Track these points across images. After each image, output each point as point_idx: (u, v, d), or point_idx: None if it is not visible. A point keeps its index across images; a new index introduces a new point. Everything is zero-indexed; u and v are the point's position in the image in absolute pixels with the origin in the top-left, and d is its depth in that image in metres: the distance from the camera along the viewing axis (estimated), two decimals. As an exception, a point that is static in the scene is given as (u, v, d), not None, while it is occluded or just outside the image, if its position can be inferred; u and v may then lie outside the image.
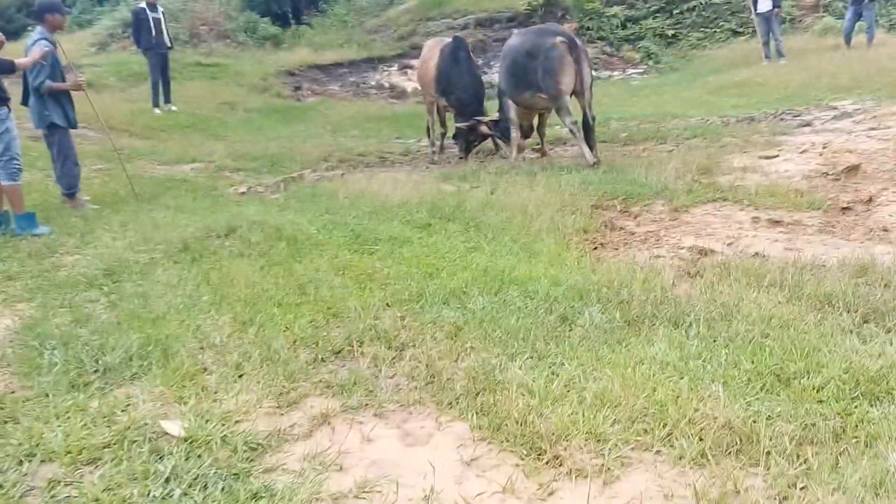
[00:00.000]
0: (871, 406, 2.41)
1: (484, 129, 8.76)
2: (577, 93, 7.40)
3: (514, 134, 8.28)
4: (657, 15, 18.47)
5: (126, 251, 5.06)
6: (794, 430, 2.29)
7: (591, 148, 7.42)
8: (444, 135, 9.61)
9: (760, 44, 14.68)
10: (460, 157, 9.10)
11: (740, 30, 17.40)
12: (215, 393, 3.00)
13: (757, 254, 4.29)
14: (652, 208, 5.67)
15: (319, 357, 3.36)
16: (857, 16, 13.57)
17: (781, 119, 9.12)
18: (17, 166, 6.33)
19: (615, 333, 3.28)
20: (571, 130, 7.47)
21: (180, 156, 9.99)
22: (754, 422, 2.34)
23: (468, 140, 9.00)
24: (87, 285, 4.46)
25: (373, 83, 18.05)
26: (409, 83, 18.05)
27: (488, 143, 9.39)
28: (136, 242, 5.28)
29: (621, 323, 3.38)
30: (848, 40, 13.77)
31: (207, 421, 2.74)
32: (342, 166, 9.30)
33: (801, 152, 6.97)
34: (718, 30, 17.63)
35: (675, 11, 18.33)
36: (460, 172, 7.70)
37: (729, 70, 14.51)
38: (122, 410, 2.84)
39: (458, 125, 8.83)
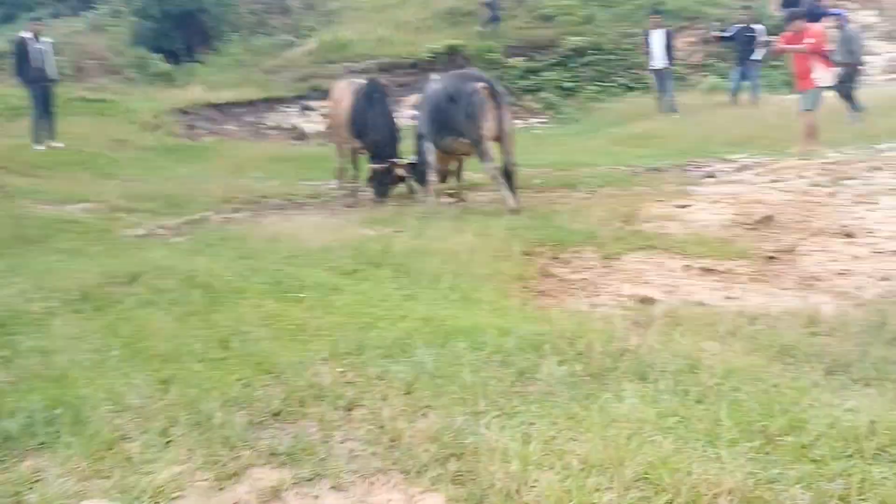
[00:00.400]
0: (869, 466, 2.30)
1: (400, 172, 8.58)
2: (499, 139, 7.35)
3: (432, 178, 8.13)
4: (555, 67, 19.01)
5: (16, 300, 4.49)
6: (803, 495, 2.14)
7: (513, 194, 7.35)
8: (356, 177, 9.35)
9: (655, 98, 15.30)
10: (374, 201, 8.85)
11: (633, 85, 18.13)
12: (141, 464, 2.59)
13: (700, 302, 4.24)
14: (582, 255, 5.60)
15: (256, 420, 3.00)
16: (742, 76, 14.39)
17: (686, 170, 9.40)
18: None
19: (581, 388, 3.09)
20: (493, 176, 7.39)
21: (68, 195, 9.26)
22: (762, 487, 2.18)
23: (383, 183, 8.79)
24: (-29, 339, 3.89)
25: (272, 124, 17.63)
26: (310, 125, 17.78)
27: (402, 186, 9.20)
28: (28, 290, 4.71)
29: (585, 376, 3.20)
30: (735, 98, 14.56)
31: (137, 498, 2.34)
32: (248, 208, 8.86)
33: (713, 202, 7.14)
34: (613, 84, 18.30)
35: (571, 65, 18.91)
36: (379, 216, 7.46)
37: (627, 122, 15.02)
38: (30, 488, 2.39)
39: (374, 167, 8.60)
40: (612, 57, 18.92)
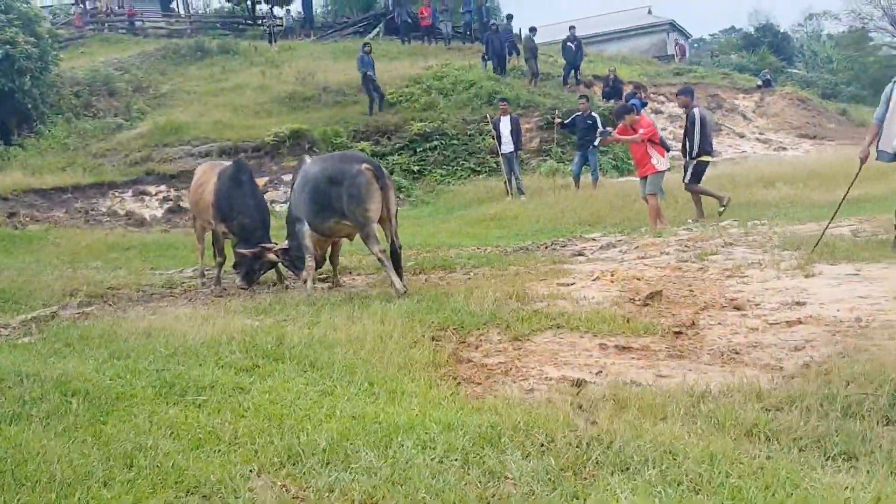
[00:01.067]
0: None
1: (271, 256, 8.09)
2: (383, 220, 7.14)
3: (310, 262, 7.72)
4: (402, 151, 19.26)
5: None
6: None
7: (400, 277, 7.13)
8: (221, 264, 8.73)
9: (504, 181, 15.81)
10: (241, 288, 8.26)
11: (478, 168, 18.73)
12: None
13: (635, 382, 4.17)
14: (489, 337, 5.44)
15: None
16: (584, 160, 15.25)
17: (554, 249, 9.62)
18: None
19: (563, 484, 2.86)
20: (380, 259, 7.12)
21: None
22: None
23: (252, 269, 8.24)
24: None
25: (104, 210, 16.37)
26: (148, 210, 16.71)
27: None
28: None
29: (561, 471, 2.97)
30: (577, 181, 15.36)
31: None
32: (97, 302, 7.97)
33: (594, 279, 7.28)
34: (459, 168, 18.80)
35: (418, 149, 19.26)
36: (257, 305, 6.93)
37: (478, 204, 15.39)
38: None
39: (242, 252, 8.06)
40: (455, 142, 19.49)
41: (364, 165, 7.05)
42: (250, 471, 3.19)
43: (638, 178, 11.11)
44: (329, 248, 8.22)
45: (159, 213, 16.57)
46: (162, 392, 4.26)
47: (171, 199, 17.05)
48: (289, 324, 5.94)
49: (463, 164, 18.88)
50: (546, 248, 9.82)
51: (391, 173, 18.64)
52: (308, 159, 8.01)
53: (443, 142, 19.38)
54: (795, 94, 32.19)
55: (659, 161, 10.75)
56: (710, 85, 31.32)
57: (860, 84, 46.14)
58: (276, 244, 8.14)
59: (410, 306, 6.22)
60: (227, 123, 20.72)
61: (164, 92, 24.28)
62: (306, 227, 7.61)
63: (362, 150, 19.15)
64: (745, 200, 12.71)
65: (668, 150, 11.26)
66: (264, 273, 8.45)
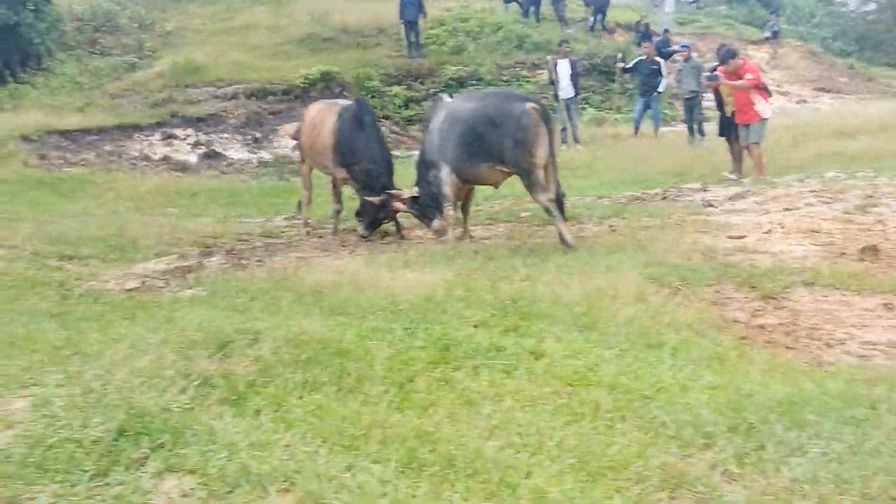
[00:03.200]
0: None
1: (398, 205, 7.44)
2: (546, 166, 6.51)
3: (450, 212, 7.09)
4: (435, 97, 18.41)
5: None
6: None
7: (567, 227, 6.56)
8: (339, 211, 8.05)
9: (561, 129, 15.16)
10: (362, 237, 7.62)
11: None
12: None
13: None
14: (733, 295, 4.93)
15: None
16: (646, 106, 14.68)
17: (673, 200, 9.11)
18: None
19: None
20: (548, 209, 6.52)
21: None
22: None
23: (377, 217, 7.60)
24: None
25: (135, 153, 15.39)
26: (180, 155, 15.77)
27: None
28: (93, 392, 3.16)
29: None
30: (637, 128, 14.81)
31: None
32: (214, 252, 7.27)
33: (766, 232, 6.81)
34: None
35: (453, 94, 18.41)
36: (411, 257, 6.24)
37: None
38: None
39: (370, 199, 7.39)
40: (491, 87, 18.71)
41: (530, 105, 6.41)
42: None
43: (739, 125, 10.53)
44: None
45: (193, 158, 15.64)
46: (445, 355, 3.67)
47: (204, 144, 16.12)
48: (482, 278, 5.34)
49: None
50: (662, 198, 9.28)
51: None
52: (447, 98, 7.32)
53: (478, 87, 18.57)
54: (806, 47, 31.82)
55: (763, 108, 10.26)
56: (717, 35, 30.72)
57: (847, 40, 45.89)
58: (402, 191, 7.48)
59: (611, 261, 5.65)
60: (247, 65, 19.63)
61: (171, 30, 22.98)
62: (447, 173, 6.95)
63: (396, 95, 18.43)
64: (822, 153, 12.27)
65: (770, 96, 10.72)
66: (389, 222, 7.80)
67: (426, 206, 7.36)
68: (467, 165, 6.74)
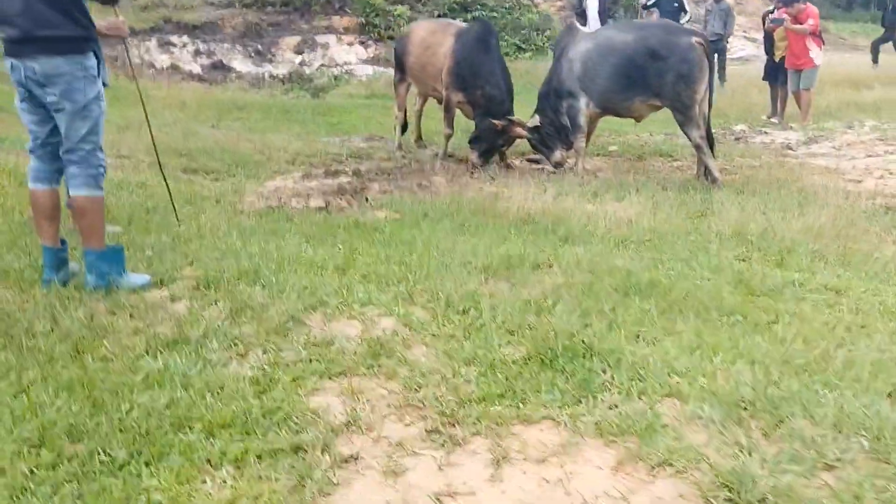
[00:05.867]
0: None
1: (519, 131, 7.35)
2: (702, 103, 6.58)
3: (582, 143, 7.09)
4: (439, 19, 17.98)
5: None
6: None
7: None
8: (450, 136, 7.88)
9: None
10: (475, 165, 7.48)
11: (524, 45, 17.92)
12: None
13: None
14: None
15: None
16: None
17: (746, 141, 9.36)
18: (102, 164, 3.44)
19: None
20: (699, 146, 6.60)
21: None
22: None
23: (494, 145, 7.49)
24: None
25: (137, 60, 14.46)
26: (183, 64, 14.93)
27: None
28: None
29: None
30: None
31: None
32: (341, 172, 7.03)
33: (879, 178, 7.13)
34: (504, 43, 17.84)
35: (456, 19, 18.01)
36: (583, 189, 6.24)
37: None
38: None
39: (494, 123, 7.21)
40: (494, 14, 18.39)
41: (695, 39, 6.41)
42: None
43: (790, 70, 10.79)
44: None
45: (196, 67, 14.85)
46: (744, 288, 3.75)
47: (205, 54, 15.30)
48: (677, 211, 5.41)
49: (508, 39, 17.89)
50: (735, 139, 9.51)
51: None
52: (580, 26, 7.19)
53: (482, 13, 18.21)
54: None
55: (817, 55, 10.55)
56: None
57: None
58: (526, 120, 7.39)
59: (795, 199, 5.76)
60: (239, -29, 18.54)
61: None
62: (584, 103, 6.92)
63: (399, 15, 17.86)
64: (844, 101, 12.74)
65: (824, 44, 11.01)
66: (505, 149, 7.69)
67: (548, 135, 7.33)
68: (618, 97, 6.71)
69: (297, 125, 9.65)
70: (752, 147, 8.90)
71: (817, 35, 10.57)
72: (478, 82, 7.34)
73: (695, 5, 16.87)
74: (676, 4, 14.29)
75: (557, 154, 7.33)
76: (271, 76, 14.86)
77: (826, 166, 7.71)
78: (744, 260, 4.31)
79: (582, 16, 14.62)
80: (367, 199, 5.59)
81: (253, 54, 15.90)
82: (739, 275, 3.94)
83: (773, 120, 11.20)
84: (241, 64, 15.32)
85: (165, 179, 4.64)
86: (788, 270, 4.13)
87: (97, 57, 3.46)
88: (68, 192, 3.53)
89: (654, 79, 6.45)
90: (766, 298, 3.59)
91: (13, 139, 6.85)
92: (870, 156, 8.28)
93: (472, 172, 7.16)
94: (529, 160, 8.07)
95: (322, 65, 16.22)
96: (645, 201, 5.63)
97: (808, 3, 10.70)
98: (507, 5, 18.62)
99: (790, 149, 8.87)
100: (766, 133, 9.99)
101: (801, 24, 10.37)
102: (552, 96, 7.20)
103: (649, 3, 14.90)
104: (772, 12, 11.13)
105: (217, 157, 6.94)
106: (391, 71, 16.35)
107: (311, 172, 6.84)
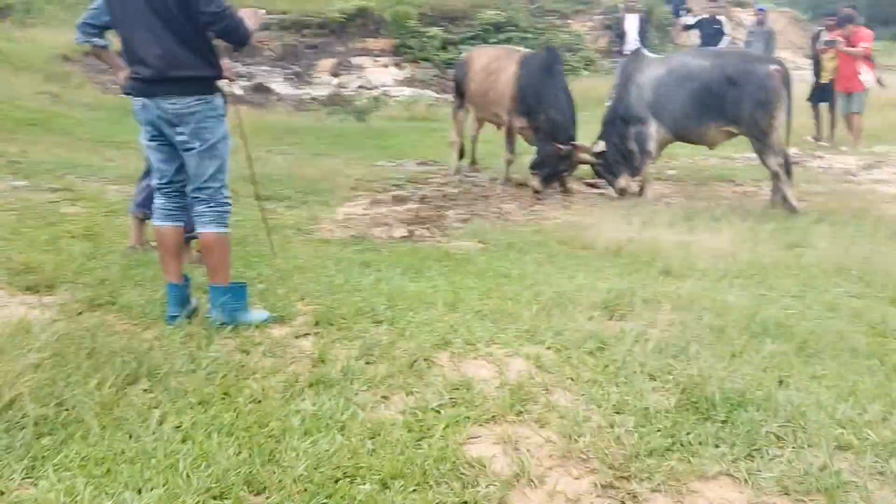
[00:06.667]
0: None
1: (584, 156, 7.31)
2: (781, 130, 6.53)
3: (650, 169, 7.07)
4: (472, 41, 18.06)
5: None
6: None
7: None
8: (511, 162, 7.87)
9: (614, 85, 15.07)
10: (536, 191, 7.42)
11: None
12: None
13: None
14: None
15: None
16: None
17: (801, 165, 9.27)
18: (228, 202, 3.43)
19: None
20: (776, 173, 6.55)
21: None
22: None
23: (556, 170, 7.44)
24: None
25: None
26: (227, 86, 14.98)
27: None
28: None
29: None
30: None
31: None
32: (398, 199, 7.03)
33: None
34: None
35: (490, 40, 18.10)
36: (651, 216, 6.17)
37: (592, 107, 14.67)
38: None
39: (559, 147, 7.16)
40: (528, 35, 18.46)
41: (774, 67, 6.39)
42: None
43: (840, 93, 10.72)
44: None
45: (237, 89, 14.91)
46: (864, 330, 3.68)
47: (245, 76, 15.42)
48: (763, 242, 5.35)
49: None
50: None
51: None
52: (648, 52, 7.18)
53: (515, 34, 18.29)
54: (791, 13, 32.41)
55: (868, 78, 10.48)
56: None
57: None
58: (592, 146, 7.35)
59: (872, 232, 5.70)
60: (268, -8, 18.71)
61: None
62: (654, 129, 6.90)
63: (433, 37, 17.95)
64: (891, 124, 12.62)
65: (875, 67, 10.94)
66: (568, 176, 7.65)
67: (613, 161, 7.29)
68: (692, 123, 6.69)
69: (349, 150, 9.66)
70: (812, 172, 8.82)
71: (868, 57, 10.52)
72: (541, 108, 7.32)
73: (736, 25, 16.89)
74: (717, 26, 14.32)
75: (622, 181, 7.30)
76: (312, 98, 14.92)
77: (887, 192, 7.63)
78: (856, 297, 4.24)
79: (621, 38, 14.71)
80: (459, 229, 5.56)
81: (292, 77, 16.01)
82: (858, 313, 3.88)
83: (822, 143, 11.12)
84: (280, 86, 15.42)
85: (263, 211, 4.62)
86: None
87: (224, 97, 3.46)
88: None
89: (731, 105, 6.42)
90: (894, 341, 3.53)
91: (89, 165, 6.88)
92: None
93: (538, 199, 7.12)
94: (588, 184, 8.04)
95: (360, 86, 16.30)
96: (735, 231, 5.57)
97: (862, 26, 10.65)
98: (539, 26, 18.68)
99: (852, 175, 8.79)
100: (820, 157, 9.91)
101: (853, 45, 10.31)
102: (618, 122, 7.19)
103: (691, 24, 14.95)
104: (821, 33, 11.08)
105: (286, 183, 6.96)
106: (428, 92, 16.66)
107: (378, 199, 6.84)
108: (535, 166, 7.53)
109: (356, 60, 17.07)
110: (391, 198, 6.88)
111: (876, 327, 3.68)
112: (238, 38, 3.37)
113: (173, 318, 3.38)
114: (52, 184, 6.36)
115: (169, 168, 3.42)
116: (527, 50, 7.98)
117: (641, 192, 7.27)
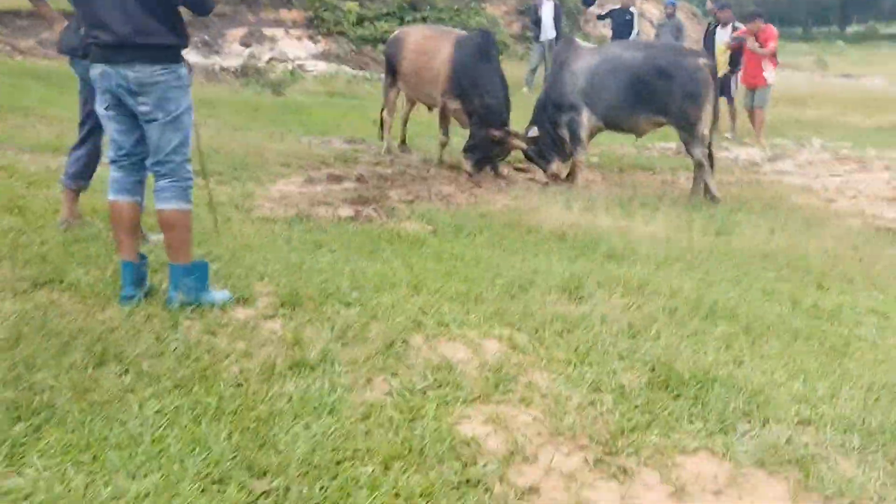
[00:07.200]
0: None
1: (517, 143, 7.41)
2: (707, 122, 6.81)
3: (582, 157, 7.25)
4: (387, 18, 17.92)
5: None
6: None
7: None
8: (445, 144, 7.87)
9: (528, 70, 15.29)
10: (468, 174, 7.50)
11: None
12: None
13: None
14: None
15: None
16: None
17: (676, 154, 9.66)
18: (191, 176, 3.32)
19: None
20: (701, 163, 6.83)
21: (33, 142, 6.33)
22: None
23: (488, 155, 7.51)
24: None
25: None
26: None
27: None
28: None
29: None
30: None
31: None
32: (332, 178, 6.93)
33: (852, 197, 7.58)
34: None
35: (406, 18, 17.98)
36: (612, 201, 6.33)
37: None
38: None
39: (493, 133, 7.23)
40: (442, 16, 18.43)
41: (702, 60, 6.65)
42: None
43: (744, 87, 11.25)
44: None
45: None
46: (799, 312, 3.96)
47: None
48: (695, 229, 5.62)
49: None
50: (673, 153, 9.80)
51: (380, 41, 17.49)
52: (582, 42, 7.32)
53: (432, 14, 18.24)
54: (689, 7, 33.69)
55: (770, 74, 11.03)
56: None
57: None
58: (523, 132, 7.46)
59: (794, 220, 6.07)
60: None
61: None
62: (586, 117, 7.07)
63: (349, 12, 17.64)
64: (784, 119, 13.41)
65: (777, 64, 11.53)
66: (500, 160, 7.73)
67: (545, 147, 7.43)
68: (623, 113, 6.88)
69: (270, 124, 9.40)
70: (723, 163, 9.26)
71: (774, 55, 11.08)
72: (476, 91, 7.36)
73: (640, 17, 17.37)
74: (628, 18, 14.73)
75: (554, 166, 7.45)
76: (222, 68, 14.41)
77: (801, 185, 8.12)
78: (786, 281, 4.52)
79: (537, 24, 14.94)
80: (387, 210, 5.53)
81: (199, 45, 15.38)
82: (792, 297, 4.14)
83: (726, 135, 11.66)
84: (188, 55, 14.77)
85: (208, 187, 4.46)
86: (830, 293, 4.38)
87: (189, 67, 3.32)
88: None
89: (661, 97, 6.65)
90: (828, 322, 3.79)
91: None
92: (833, 175, 8.79)
93: (474, 182, 7.18)
94: (517, 169, 8.17)
95: (272, 58, 15.87)
96: (667, 218, 5.80)
97: (769, 24, 11.20)
98: (455, 7, 18.67)
99: (757, 165, 9.30)
100: (727, 150, 10.40)
101: (760, 41, 10.81)
102: (551, 108, 7.32)
103: (602, 14, 15.32)
104: (716, 26, 11.55)
105: (213, 158, 6.69)
106: (345, 68, 16.40)
107: (312, 176, 6.71)
108: (468, 149, 7.55)
109: (268, 31, 16.59)
110: (326, 176, 6.76)
111: (809, 310, 3.95)
112: (204, 7, 3.24)
113: (129, 298, 3.23)
114: (-42, 153, 5.92)
115: (127, 140, 3.26)
116: (461, 31, 7.95)
117: (570, 177, 7.45)
